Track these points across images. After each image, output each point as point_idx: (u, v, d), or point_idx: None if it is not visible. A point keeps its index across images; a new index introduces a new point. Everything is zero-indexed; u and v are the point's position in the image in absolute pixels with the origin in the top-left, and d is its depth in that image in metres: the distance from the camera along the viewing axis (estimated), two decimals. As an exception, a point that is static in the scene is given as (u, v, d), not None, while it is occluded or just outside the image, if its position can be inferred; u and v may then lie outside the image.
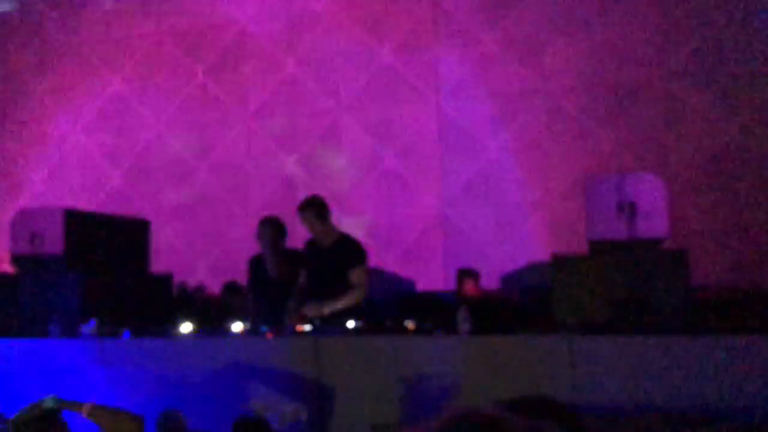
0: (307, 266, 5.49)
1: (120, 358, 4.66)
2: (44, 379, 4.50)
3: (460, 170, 7.78)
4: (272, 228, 5.70)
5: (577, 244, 4.95)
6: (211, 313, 6.10)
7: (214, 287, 7.59)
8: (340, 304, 5.03)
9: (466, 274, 6.56)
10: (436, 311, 5.14)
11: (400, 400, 3.84)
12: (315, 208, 5.38)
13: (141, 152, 8.94)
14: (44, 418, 2.78)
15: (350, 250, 5.30)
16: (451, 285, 7.11)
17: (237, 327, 4.72)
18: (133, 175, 8.95)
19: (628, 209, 4.33)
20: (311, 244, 5.55)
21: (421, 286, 7.34)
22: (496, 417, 1.27)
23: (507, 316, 6.19)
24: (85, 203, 8.54)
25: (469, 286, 6.49)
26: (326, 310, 4.98)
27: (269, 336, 4.60)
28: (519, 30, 7.70)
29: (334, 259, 5.28)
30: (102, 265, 5.48)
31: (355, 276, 5.18)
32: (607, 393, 3.58)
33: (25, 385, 4.46)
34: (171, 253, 8.16)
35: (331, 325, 4.72)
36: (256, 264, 5.81)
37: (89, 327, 4.72)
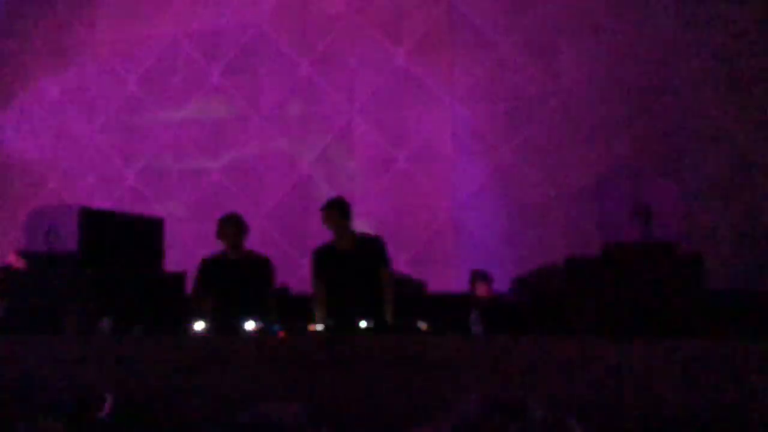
0: (323, 274, 5.49)
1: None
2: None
3: (473, 173, 7.78)
4: (236, 225, 5.74)
5: (591, 248, 4.94)
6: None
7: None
8: (393, 309, 5.24)
9: (479, 276, 6.55)
10: (448, 313, 5.16)
11: (413, 401, 3.84)
12: (340, 207, 5.44)
13: (156, 152, 8.99)
14: None
15: (376, 249, 5.37)
16: (462, 287, 7.11)
17: (249, 326, 4.73)
18: (148, 175, 8.99)
19: (643, 213, 4.32)
20: (325, 250, 5.53)
21: (432, 287, 7.34)
22: (521, 402, 1.31)
23: (519, 319, 6.19)
24: (100, 202, 8.60)
25: (481, 289, 6.48)
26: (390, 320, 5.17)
27: (281, 335, 4.60)
28: (534, 33, 7.70)
29: (359, 260, 5.31)
30: (116, 263, 5.51)
31: (386, 275, 5.35)
32: (618, 396, 3.57)
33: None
34: (184, 252, 8.19)
35: (343, 325, 4.73)
36: (213, 265, 5.79)
37: (103, 324, 4.74)
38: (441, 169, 7.92)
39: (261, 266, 5.75)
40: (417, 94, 8.05)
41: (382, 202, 8.05)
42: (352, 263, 5.36)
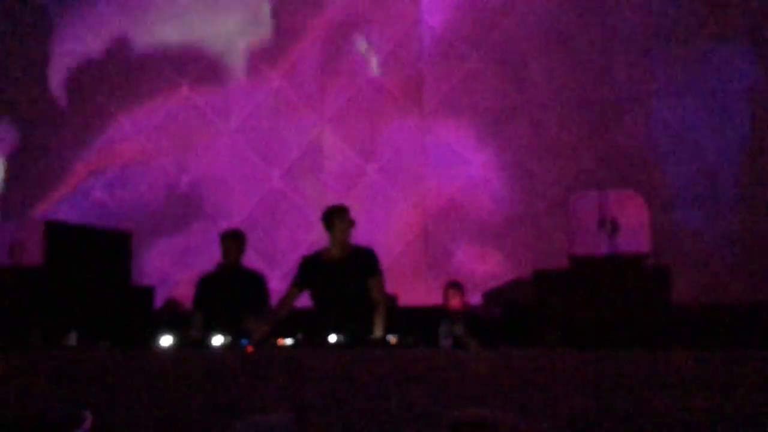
0: (310, 283, 5.42)
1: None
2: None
3: (443, 185, 7.80)
4: (238, 241, 5.69)
5: (559, 260, 4.97)
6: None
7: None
8: (384, 325, 5.04)
9: (453, 286, 6.54)
10: (418, 326, 5.13)
11: (383, 415, 3.82)
12: (349, 216, 5.39)
13: (124, 165, 8.90)
14: None
15: (368, 259, 5.29)
16: (433, 300, 7.10)
17: (218, 341, 4.69)
18: (115, 187, 8.90)
19: (610, 225, 4.36)
20: (313, 259, 5.42)
21: (403, 301, 7.33)
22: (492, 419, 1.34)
23: (490, 331, 6.20)
24: (66, 215, 8.49)
25: (455, 300, 6.47)
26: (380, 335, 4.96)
27: (249, 350, 4.56)
28: (503, 47, 7.76)
29: (350, 269, 5.23)
30: (83, 277, 5.44)
31: (377, 285, 5.23)
32: (585, 408, 3.58)
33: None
34: (153, 266, 8.13)
35: (312, 339, 4.69)
36: (208, 281, 5.73)
37: (69, 339, 4.68)
38: (411, 181, 7.93)
39: (255, 282, 5.69)
40: (387, 106, 8.07)
41: (353, 215, 8.02)
42: (343, 272, 5.27)
